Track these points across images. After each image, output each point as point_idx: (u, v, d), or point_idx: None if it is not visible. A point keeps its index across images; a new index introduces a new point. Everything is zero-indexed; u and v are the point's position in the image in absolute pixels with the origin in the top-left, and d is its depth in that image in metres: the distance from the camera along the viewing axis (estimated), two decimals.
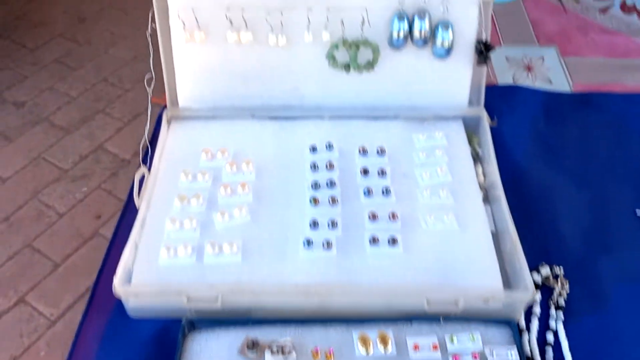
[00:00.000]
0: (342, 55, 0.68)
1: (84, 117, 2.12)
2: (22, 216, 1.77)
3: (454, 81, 0.70)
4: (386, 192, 0.61)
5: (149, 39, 0.64)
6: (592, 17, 0.91)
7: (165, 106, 0.72)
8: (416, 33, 0.67)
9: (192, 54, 0.68)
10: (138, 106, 2.10)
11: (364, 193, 0.61)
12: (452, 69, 0.69)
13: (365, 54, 0.68)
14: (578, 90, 0.79)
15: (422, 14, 0.66)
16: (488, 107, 0.71)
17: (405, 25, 0.67)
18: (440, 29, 0.67)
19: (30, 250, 1.66)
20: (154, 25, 0.65)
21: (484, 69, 0.70)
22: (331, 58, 0.68)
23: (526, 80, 0.81)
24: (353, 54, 0.67)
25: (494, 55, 0.84)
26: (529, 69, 0.83)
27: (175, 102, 0.71)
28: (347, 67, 0.68)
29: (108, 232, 1.80)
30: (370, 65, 0.68)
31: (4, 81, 2.23)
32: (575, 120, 0.74)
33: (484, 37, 0.68)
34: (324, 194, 0.61)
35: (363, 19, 0.66)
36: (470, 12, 0.67)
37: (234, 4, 0.65)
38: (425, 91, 0.70)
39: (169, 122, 0.70)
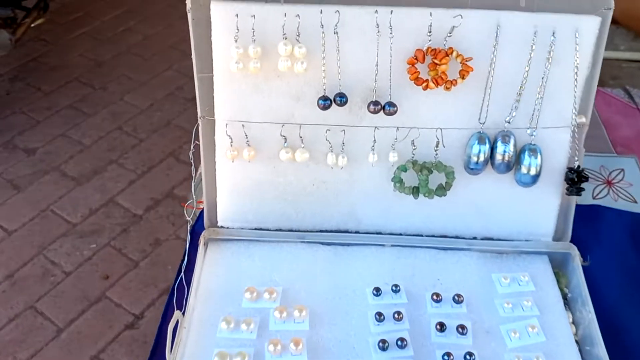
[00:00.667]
0: (410, 178, 0.59)
1: (96, 168, 2.04)
2: (26, 274, 1.67)
3: (539, 212, 0.60)
4: (470, 358, 0.51)
5: (192, 157, 0.55)
6: None
7: (199, 216, 0.63)
8: (498, 157, 0.58)
9: (238, 172, 0.59)
10: (152, 157, 2.02)
11: (443, 359, 0.51)
12: (537, 198, 0.60)
13: (437, 178, 0.59)
14: None
15: (506, 137, 0.57)
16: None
17: (486, 149, 0.58)
18: (526, 154, 0.58)
19: (33, 312, 1.57)
20: (197, 142, 0.56)
21: (574, 200, 0.60)
22: (398, 182, 0.59)
23: (607, 198, 0.72)
24: (424, 178, 0.58)
25: None
26: (609, 183, 0.73)
27: (214, 221, 0.61)
28: (415, 192, 0.59)
29: (115, 295, 1.70)
30: (443, 190, 0.59)
31: (16, 126, 2.16)
32: None
33: (576, 164, 0.59)
34: (393, 358, 0.51)
35: (437, 140, 0.58)
36: (562, 135, 0.58)
37: (290, 120, 0.56)
38: (504, 221, 0.61)
39: (206, 245, 0.60)
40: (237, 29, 0.51)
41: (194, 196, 0.56)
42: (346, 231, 0.62)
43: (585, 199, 0.71)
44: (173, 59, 2.33)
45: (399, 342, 0.52)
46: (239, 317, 0.54)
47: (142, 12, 2.72)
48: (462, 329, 0.53)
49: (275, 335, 0.52)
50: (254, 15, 0.51)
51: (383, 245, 0.61)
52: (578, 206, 0.70)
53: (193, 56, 0.53)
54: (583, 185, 0.58)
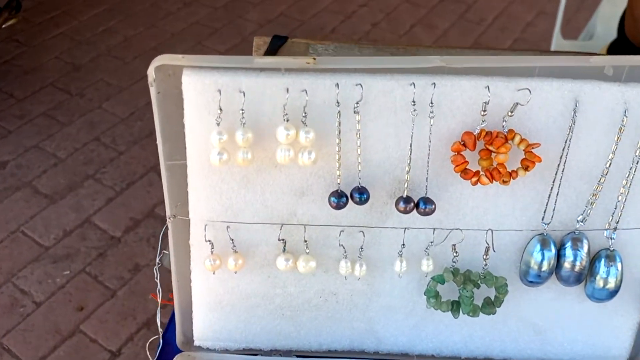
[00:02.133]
0: (448, 291, 0.45)
1: (71, 184, 1.88)
2: None
3: (611, 332, 0.47)
4: None
5: (157, 274, 0.41)
6: None
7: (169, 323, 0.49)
8: (566, 266, 0.44)
9: (220, 284, 0.44)
10: (132, 171, 1.87)
11: None
12: (611, 315, 0.46)
13: (484, 290, 0.45)
14: None
15: (577, 241, 0.43)
16: None
17: (550, 255, 0.44)
18: (603, 262, 0.44)
19: None
20: (165, 251, 0.42)
21: None
22: (433, 296, 0.45)
23: None
24: (469, 293, 0.44)
25: None
26: None
27: (188, 340, 0.47)
28: (456, 309, 0.45)
29: (90, 329, 1.55)
30: (492, 307, 0.45)
31: None
32: None
33: None
34: None
35: (487, 244, 0.44)
36: None
37: (291, 220, 0.42)
38: (568, 344, 0.47)
39: None
40: (220, 109, 0.36)
41: (158, 325, 0.42)
42: (362, 352, 0.48)
43: None
44: None
45: None
46: None
47: (123, 10, 2.53)
48: None
49: None
50: (243, 92, 0.36)
51: None
52: None
53: (158, 140, 0.39)
54: None
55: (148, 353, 0.43)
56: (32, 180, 1.86)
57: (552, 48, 1.32)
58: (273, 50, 0.76)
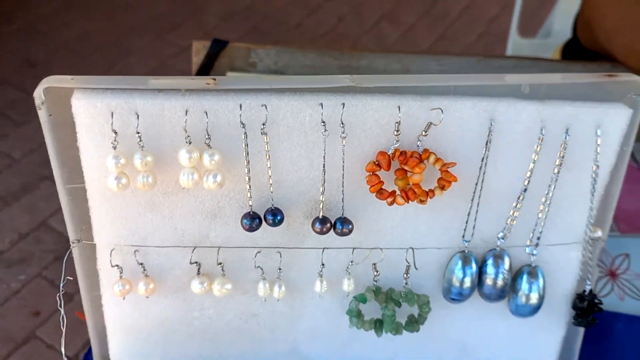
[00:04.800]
0: (371, 310, 0.44)
1: (26, 185, 1.83)
2: None
3: (536, 348, 0.46)
4: None
5: (60, 302, 0.39)
6: None
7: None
8: (488, 282, 0.43)
9: (134, 308, 0.42)
10: None
11: None
12: (535, 330, 0.46)
13: (407, 308, 0.44)
14: None
15: (498, 258, 0.43)
16: None
17: (472, 272, 0.43)
18: (525, 278, 0.43)
19: None
20: (69, 277, 0.40)
21: (581, 332, 0.47)
22: (355, 315, 0.44)
23: (611, 296, 0.58)
24: (390, 313, 0.43)
25: None
26: (612, 275, 0.60)
27: (105, 358, 0.45)
28: (379, 328, 0.44)
29: (46, 335, 1.52)
30: (415, 324, 0.44)
31: None
32: None
33: (588, 289, 0.45)
34: None
35: (408, 264, 0.43)
36: (571, 253, 0.44)
37: (203, 243, 0.40)
38: (490, 357, 0.47)
39: None
40: (115, 133, 0.34)
41: (64, 357, 0.40)
42: None
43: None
44: (115, 58, 2.10)
45: None
46: None
47: (81, 3, 2.46)
48: None
49: None
50: (137, 114, 0.34)
51: None
52: None
53: (53, 164, 0.37)
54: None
55: None
56: None
57: (509, 46, 1.32)
58: (213, 54, 0.74)
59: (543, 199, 0.42)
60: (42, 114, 0.34)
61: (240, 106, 0.35)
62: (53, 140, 0.35)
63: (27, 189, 1.78)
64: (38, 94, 0.34)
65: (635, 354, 0.53)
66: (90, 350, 0.49)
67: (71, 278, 0.40)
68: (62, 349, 0.39)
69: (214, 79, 0.34)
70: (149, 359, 0.45)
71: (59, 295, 0.38)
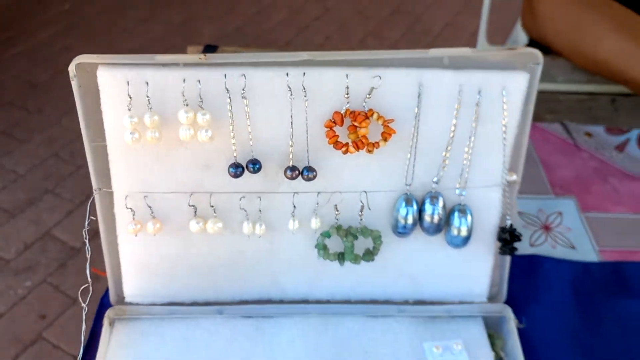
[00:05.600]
0: (334, 244, 0.55)
1: (31, 198, 1.93)
2: None
3: (472, 273, 0.57)
4: None
5: (86, 236, 0.49)
6: (608, 157, 0.80)
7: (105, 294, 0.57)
8: (427, 219, 0.54)
9: (144, 246, 0.53)
10: (91, 185, 1.94)
11: None
12: (469, 259, 0.57)
13: (363, 242, 0.55)
14: (606, 258, 0.68)
15: (434, 198, 0.54)
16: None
17: (413, 210, 0.54)
18: (456, 215, 0.54)
19: None
20: (93, 217, 0.50)
21: (508, 259, 0.57)
22: (322, 248, 0.54)
23: (545, 245, 0.69)
24: (349, 243, 0.54)
25: None
26: (546, 229, 0.71)
27: (120, 296, 0.55)
28: (341, 259, 0.55)
29: (52, 335, 1.60)
30: (370, 255, 0.55)
31: None
32: (609, 301, 0.63)
33: (508, 223, 0.55)
34: None
35: (362, 204, 0.54)
36: (493, 194, 0.55)
37: (199, 189, 0.51)
38: (436, 284, 0.57)
39: (111, 325, 0.54)
40: (130, 97, 0.45)
41: (89, 280, 0.50)
42: (269, 301, 0.57)
43: (524, 246, 0.68)
44: None
45: None
46: None
47: (80, 28, 2.59)
48: None
49: None
50: (147, 82, 0.45)
51: (308, 314, 0.56)
52: (516, 257, 0.67)
53: (82, 126, 0.48)
54: (517, 238, 0.55)
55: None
56: None
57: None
58: None
59: (466, 149, 0.53)
60: (75, 85, 0.45)
61: (225, 75, 0.46)
62: (82, 106, 0.46)
63: (31, 202, 1.88)
64: (71, 69, 0.45)
65: (559, 287, 0.64)
66: (107, 292, 0.59)
67: (94, 218, 0.50)
68: (88, 278, 0.49)
69: (205, 55, 0.45)
70: (156, 291, 0.55)
71: (85, 230, 0.49)
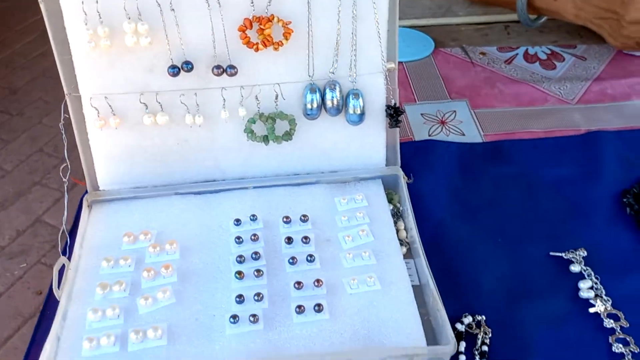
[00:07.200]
0: (259, 129, 0.70)
1: (20, 191, 2.06)
2: None
3: (370, 144, 0.73)
4: (310, 259, 0.62)
5: (62, 129, 0.64)
6: (499, 69, 0.97)
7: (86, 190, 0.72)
8: (328, 103, 0.70)
9: (109, 139, 0.68)
10: (75, 174, 2.06)
11: (289, 262, 0.62)
12: (366, 133, 0.72)
13: (282, 126, 0.70)
14: (489, 139, 0.84)
15: (332, 86, 0.70)
16: (407, 163, 0.75)
17: (317, 97, 0.70)
18: (351, 97, 0.70)
19: None
20: (66, 115, 0.65)
21: (397, 131, 0.73)
22: (249, 132, 0.70)
23: (440, 134, 0.85)
24: (270, 126, 0.70)
25: (411, 113, 0.89)
26: (442, 123, 0.87)
27: (95, 186, 0.70)
28: (265, 139, 0.70)
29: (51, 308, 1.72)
30: (288, 135, 0.70)
31: None
32: (487, 168, 0.79)
33: (393, 102, 0.71)
34: (249, 267, 0.62)
35: (276, 93, 0.69)
36: (378, 80, 0.71)
37: (146, 89, 0.67)
38: (343, 156, 0.73)
39: (89, 207, 0.69)
40: (85, 13, 0.61)
41: (67, 162, 0.65)
42: (214, 181, 0.73)
43: (423, 136, 0.85)
44: None
45: (254, 255, 0.63)
46: (119, 256, 0.63)
47: None
48: (305, 239, 0.64)
49: (149, 266, 0.62)
50: (97, 1, 0.61)
51: (246, 188, 0.72)
52: (415, 142, 0.84)
53: (52, 42, 0.63)
54: (399, 118, 0.71)
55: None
56: None
57: None
58: None
59: (351, 44, 0.69)
60: (43, 7, 0.61)
61: None
62: (50, 24, 0.62)
63: (20, 194, 2.00)
64: None
65: (448, 160, 0.80)
66: (87, 192, 0.74)
67: (67, 116, 0.65)
68: (66, 159, 0.64)
69: None
70: (122, 178, 0.71)
71: (61, 124, 0.64)
